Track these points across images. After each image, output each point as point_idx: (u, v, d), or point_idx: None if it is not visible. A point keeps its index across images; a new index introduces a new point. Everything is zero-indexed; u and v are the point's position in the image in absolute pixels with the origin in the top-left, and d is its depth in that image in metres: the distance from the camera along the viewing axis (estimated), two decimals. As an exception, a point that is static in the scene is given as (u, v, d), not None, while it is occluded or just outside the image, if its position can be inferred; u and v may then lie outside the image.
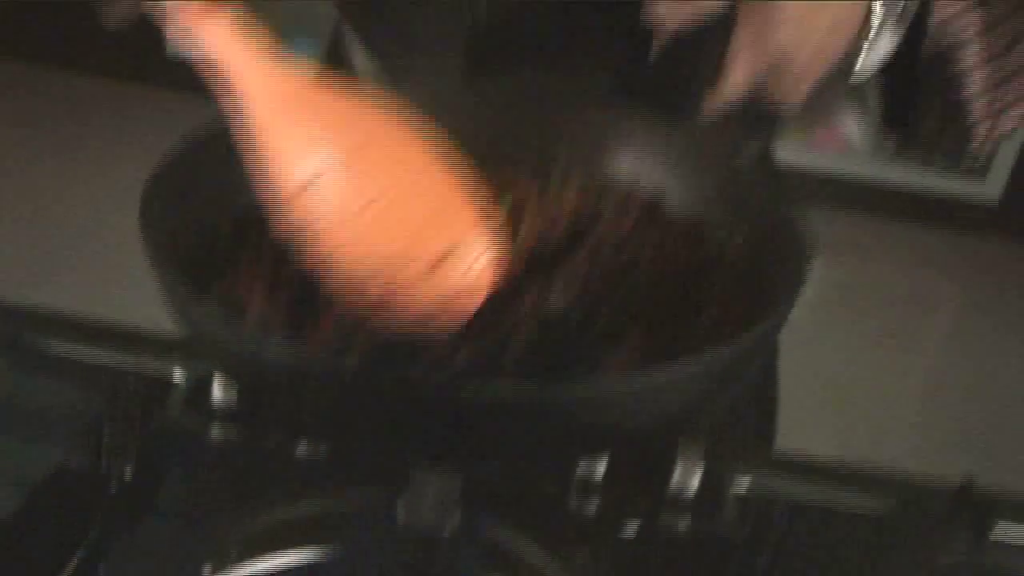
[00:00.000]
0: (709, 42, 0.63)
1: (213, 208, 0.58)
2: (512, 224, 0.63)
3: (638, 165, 0.67)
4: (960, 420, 2.63)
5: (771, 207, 0.63)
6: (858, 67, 0.68)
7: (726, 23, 0.61)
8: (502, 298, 0.56)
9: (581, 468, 0.58)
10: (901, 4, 0.65)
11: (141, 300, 0.58)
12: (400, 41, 0.79)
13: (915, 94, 0.70)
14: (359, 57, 0.84)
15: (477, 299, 0.49)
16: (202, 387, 0.56)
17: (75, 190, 2.93)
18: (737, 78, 0.62)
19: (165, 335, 0.62)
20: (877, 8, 0.64)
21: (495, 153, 0.64)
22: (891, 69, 0.69)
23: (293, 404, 0.46)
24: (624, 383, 0.46)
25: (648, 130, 0.66)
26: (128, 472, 0.51)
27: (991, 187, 3.17)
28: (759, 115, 0.73)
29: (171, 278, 0.46)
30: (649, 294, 0.61)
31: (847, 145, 2.93)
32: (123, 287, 2.41)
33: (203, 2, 0.45)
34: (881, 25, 0.65)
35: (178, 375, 0.58)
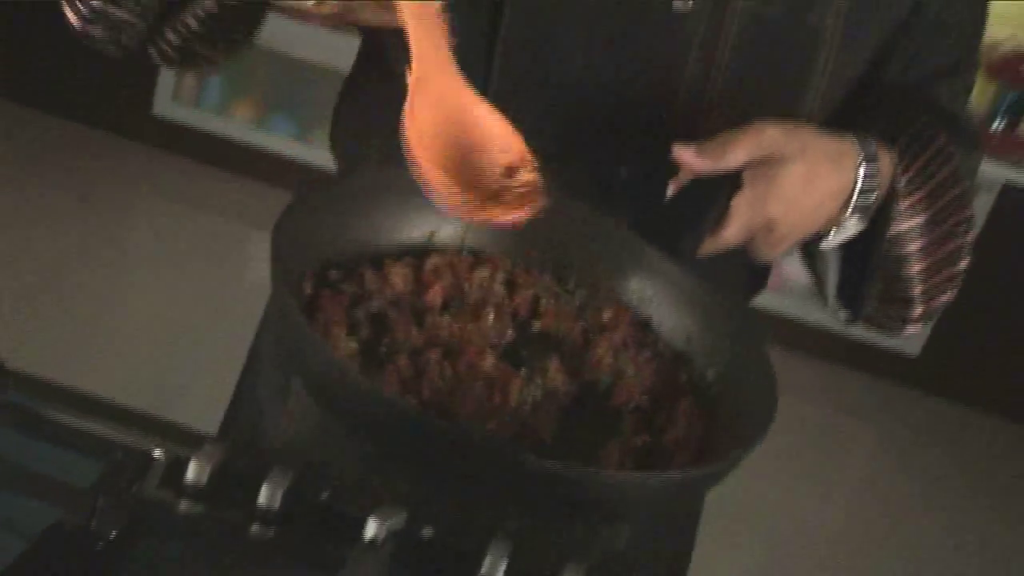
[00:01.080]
0: (715, 195, 0.77)
1: (309, 255, 0.70)
2: (528, 311, 0.76)
3: (640, 288, 0.80)
4: (869, 559, 2.74)
5: (749, 350, 0.75)
6: (827, 240, 0.84)
7: (733, 183, 0.77)
8: (521, 369, 0.69)
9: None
10: (871, 198, 0.81)
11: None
12: None
13: (867, 272, 0.86)
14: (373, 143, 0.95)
15: (537, 203, 0.62)
16: (178, 466, 0.67)
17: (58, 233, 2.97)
18: (733, 231, 0.77)
19: (151, 416, 0.73)
20: (853, 199, 0.80)
21: (520, 251, 0.77)
22: (851, 247, 0.85)
23: (365, 428, 0.60)
24: (610, 479, 0.59)
25: (652, 260, 0.78)
26: (112, 533, 0.62)
27: (913, 341, 3.37)
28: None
29: (293, 313, 0.59)
30: (627, 402, 0.74)
31: (779, 283, 3.09)
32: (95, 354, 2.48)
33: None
34: (852, 212, 0.81)
35: (158, 453, 0.69)
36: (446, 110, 0.61)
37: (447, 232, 0.77)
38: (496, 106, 0.75)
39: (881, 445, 3.45)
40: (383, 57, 0.89)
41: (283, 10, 0.75)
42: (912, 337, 3.36)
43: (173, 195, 3.37)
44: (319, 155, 3.46)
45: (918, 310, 0.91)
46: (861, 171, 0.80)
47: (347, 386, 0.60)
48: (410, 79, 0.61)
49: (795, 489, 2.91)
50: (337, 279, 0.71)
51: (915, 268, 0.87)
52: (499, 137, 0.62)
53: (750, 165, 0.76)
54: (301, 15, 0.72)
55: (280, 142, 3.50)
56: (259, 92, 3.53)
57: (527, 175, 0.61)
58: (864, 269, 0.87)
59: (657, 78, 0.81)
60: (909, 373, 3.44)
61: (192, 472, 0.67)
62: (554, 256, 0.78)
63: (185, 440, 0.71)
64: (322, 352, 0.61)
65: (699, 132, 0.80)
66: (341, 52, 1.01)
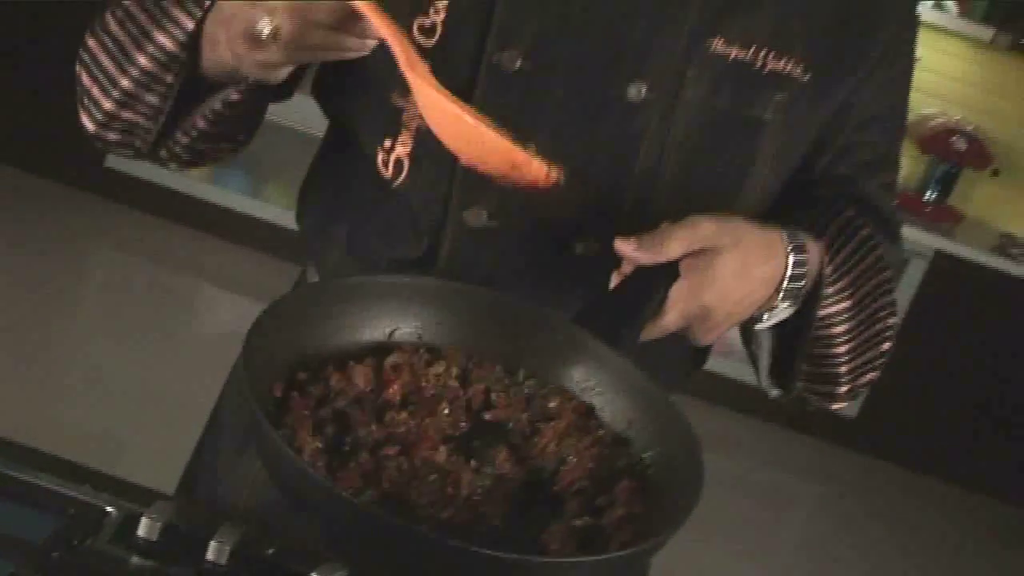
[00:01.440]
0: (658, 285, 0.82)
1: (278, 360, 0.75)
2: (480, 403, 0.81)
3: (583, 378, 0.84)
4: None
5: (680, 432, 0.79)
6: (761, 324, 0.90)
7: (671, 273, 0.82)
8: (468, 457, 0.75)
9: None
10: (801, 285, 0.87)
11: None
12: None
13: (797, 352, 0.92)
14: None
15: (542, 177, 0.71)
16: (131, 522, 0.71)
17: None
18: (671, 318, 0.83)
19: (104, 473, 0.76)
20: (783, 286, 0.86)
21: (473, 346, 0.82)
22: (782, 328, 0.91)
23: (324, 524, 0.65)
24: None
25: (595, 351, 0.82)
26: (66, 586, 0.65)
27: (849, 404, 3.45)
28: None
29: (264, 419, 0.64)
30: (570, 486, 0.78)
31: (724, 347, 3.16)
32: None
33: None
34: (783, 298, 0.87)
35: (111, 509, 0.73)
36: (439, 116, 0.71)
37: (405, 330, 0.82)
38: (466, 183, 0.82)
39: (820, 504, 3.52)
40: (349, 138, 0.94)
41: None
42: (849, 399, 3.45)
43: (126, 247, 3.38)
44: (270, 210, 3.51)
45: (844, 388, 0.97)
46: (790, 260, 0.86)
47: (307, 488, 0.66)
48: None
49: (737, 548, 2.96)
50: (305, 380, 0.77)
51: (841, 349, 0.93)
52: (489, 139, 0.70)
53: (687, 256, 0.81)
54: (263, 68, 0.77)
55: (232, 197, 3.53)
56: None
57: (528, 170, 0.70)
58: (794, 349, 0.93)
59: (612, 162, 0.87)
60: (847, 435, 3.52)
61: (144, 528, 0.71)
62: (504, 350, 0.83)
63: (137, 497, 0.74)
64: (287, 458, 0.67)
65: (651, 212, 0.86)
66: (293, 110, 1.05)
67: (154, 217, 3.52)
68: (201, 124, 0.84)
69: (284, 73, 0.78)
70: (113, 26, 0.83)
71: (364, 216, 0.93)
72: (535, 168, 0.69)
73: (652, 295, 0.82)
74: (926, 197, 3.53)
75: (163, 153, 0.89)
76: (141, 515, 0.71)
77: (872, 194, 0.98)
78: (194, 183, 3.52)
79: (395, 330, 0.81)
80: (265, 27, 0.68)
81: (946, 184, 3.54)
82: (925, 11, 3.38)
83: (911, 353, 3.44)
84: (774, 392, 0.99)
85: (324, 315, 0.79)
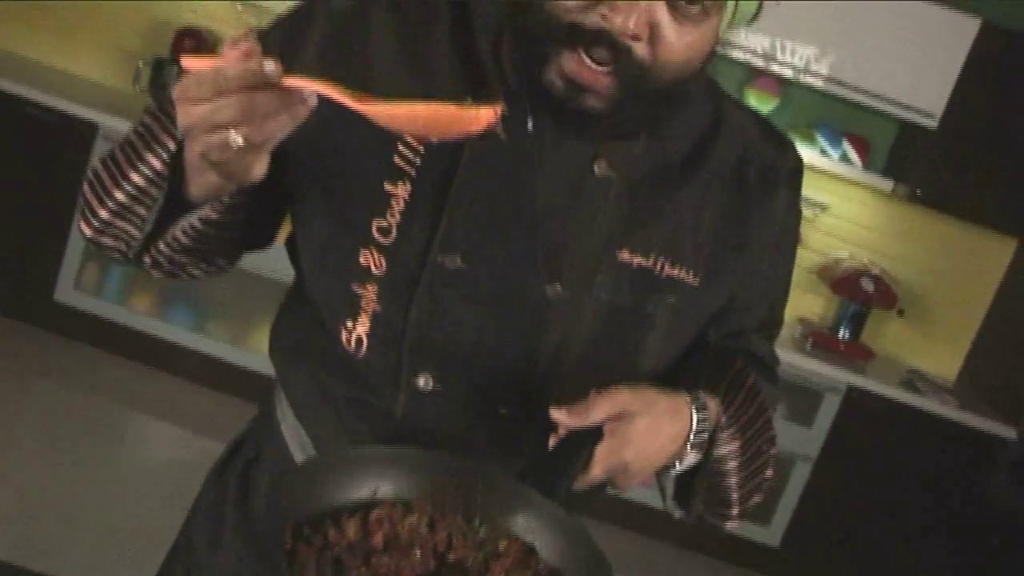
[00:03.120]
0: (585, 445, 0.98)
1: (288, 518, 0.92)
2: (444, 546, 0.97)
3: (526, 523, 1.00)
4: None
5: (599, 567, 0.96)
6: (673, 470, 1.06)
7: (596, 434, 0.98)
8: None
9: None
10: (704, 436, 1.04)
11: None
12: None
13: (696, 485, 1.08)
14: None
15: (481, 124, 0.81)
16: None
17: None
18: (597, 472, 0.98)
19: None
20: (691, 439, 1.03)
21: (440, 501, 1.00)
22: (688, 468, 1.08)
23: None
24: None
25: (534, 501, 0.99)
26: None
27: (773, 532, 3.59)
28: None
29: (283, 563, 0.79)
30: None
31: (651, 480, 3.29)
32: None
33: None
34: (691, 449, 1.03)
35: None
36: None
37: (385, 489, 1.00)
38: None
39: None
40: (309, 298, 1.08)
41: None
42: (773, 530, 3.59)
43: (71, 381, 3.44)
44: (215, 346, 3.62)
45: (735, 510, 1.13)
46: (695, 418, 1.03)
47: None
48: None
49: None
50: (308, 534, 0.94)
51: (733, 480, 1.09)
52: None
53: (608, 420, 0.97)
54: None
55: (178, 332, 3.62)
56: (159, 283, 3.67)
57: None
58: (694, 482, 1.09)
59: (527, 344, 1.03)
60: (771, 563, 3.65)
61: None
62: (463, 501, 1.01)
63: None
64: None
65: (559, 385, 1.03)
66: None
67: (100, 351, 3.61)
68: (182, 238, 0.96)
69: (260, 169, 0.85)
70: (117, 153, 0.97)
71: (330, 367, 1.07)
72: (481, 115, 0.81)
73: (581, 453, 0.98)
74: (840, 335, 3.73)
75: (147, 260, 1.01)
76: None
77: (756, 346, 1.16)
78: (140, 317, 3.61)
79: (377, 489, 0.99)
80: (237, 140, 0.79)
81: (857, 323, 3.75)
82: (832, 164, 3.67)
83: (828, 483, 3.62)
84: (678, 513, 1.14)
85: (323, 482, 0.97)
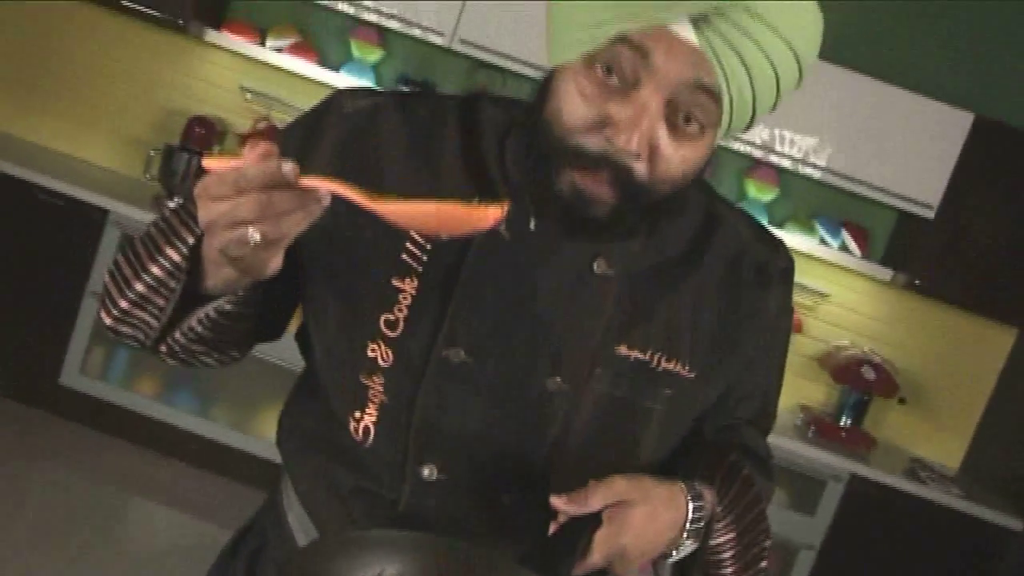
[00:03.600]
0: (584, 531, 1.00)
1: None
2: None
3: None
4: None
5: None
6: (670, 559, 1.08)
7: (595, 521, 1.00)
8: None
9: None
10: (701, 525, 1.05)
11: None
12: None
13: (694, 574, 1.09)
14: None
15: (488, 221, 0.84)
16: None
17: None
18: (596, 558, 1.00)
19: None
20: (687, 527, 1.05)
21: None
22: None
23: None
24: None
25: None
26: None
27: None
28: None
29: None
30: None
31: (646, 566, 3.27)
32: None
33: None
34: (687, 538, 1.05)
35: None
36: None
37: (390, 571, 1.01)
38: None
39: None
40: (319, 388, 1.11)
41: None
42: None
43: (74, 464, 3.44)
44: (218, 430, 3.62)
45: None
46: (691, 507, 1.05)
47: None
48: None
49: None
50: None
51: (729, 569, 1.11)
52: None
53: (607, 508, 1.00)
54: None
55: (181, 416, 3.63)
56: (164, 367, 3.69)
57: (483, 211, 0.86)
58: (691, 571, 1.10)
59: (529, 434, 1.06)
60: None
61: None
62: None
63: None
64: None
65: (560, 474, 1.05)
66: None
67: (104, 434, 3.61)
68: (198, 328, 0.99)
69: (275, 264, 0.89)
70: (137, 245, 1.00)
71: (338, 456, 1.09)
72: (489, 214, 0.84)
73: (580, 540, 1.00)
74: (842, 423, 3.74)
75: (164, 348, 1.04)
76: None
77: (750, 439, 1.19)
78: (144, 401, 3.63)
79: (383, 572, 1.00)
80: (255, 235, 0.82)
81: (859, 411, 3.76)
82: (832, 253, 3.72)
83: (833, 572, 3.59)
84: None
85: (329, 564, 0.99)
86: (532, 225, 1.03)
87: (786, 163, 3.62)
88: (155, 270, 0.97)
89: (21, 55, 4.03)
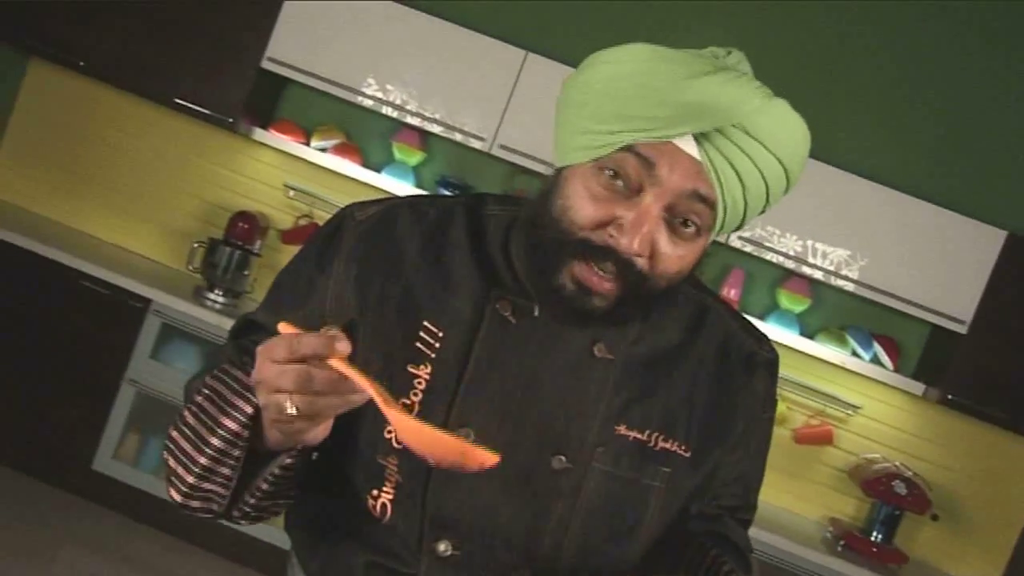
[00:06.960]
0: None
1: None
2: None
3: None
4: None
5: None
6: None
7: None
8: None
9: None
10: None
11: None
12: None
13: None
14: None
15: (482, 464, 0.90)
16: None
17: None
18: None
19: None
20: None
21: None
22: None
23: None
24: None
25: None
26: None
27: None
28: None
29: None
30: None
31: None
32: None
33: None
34: None
35: None
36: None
37: None
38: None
39: None
40: (332, 469, 1.15)
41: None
42: None
43: (102, 549, 3.44)
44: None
45: None
46: None
47: None
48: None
49: None
50: None
51: None
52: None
53: None
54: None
55: (210, 506, 3.62)
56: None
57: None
58: None
59: (535, 513, 1.10)
60: None
61: None
62: None
63: None
64: None
65: (563, 553, 1.10)
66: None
67: (134, 521, 3.62)
68: (264, 486, 1.03)
69: (321, 432, 0.98)
70: (190, 419, 1.04)
71: (351, 534, 1.13)
72: (479, 455, 0.90)
73: None
74: (873, 538, 3.68)
75: (236, 512, 1.07)
76: None
77: (732, 531, 1.22)
78: (174, 490, 3.63)
79: None
80: (290, 407, 0.90)
81: (890, 526, 3.70)
82: (864, 365, 3.72)
83: None
84: None
85: None
86: (536, 312, 1.11)
87: (818, 275, 3.65)
88: (215, 442, 1.01)
89: (76, 147, 4.18)
